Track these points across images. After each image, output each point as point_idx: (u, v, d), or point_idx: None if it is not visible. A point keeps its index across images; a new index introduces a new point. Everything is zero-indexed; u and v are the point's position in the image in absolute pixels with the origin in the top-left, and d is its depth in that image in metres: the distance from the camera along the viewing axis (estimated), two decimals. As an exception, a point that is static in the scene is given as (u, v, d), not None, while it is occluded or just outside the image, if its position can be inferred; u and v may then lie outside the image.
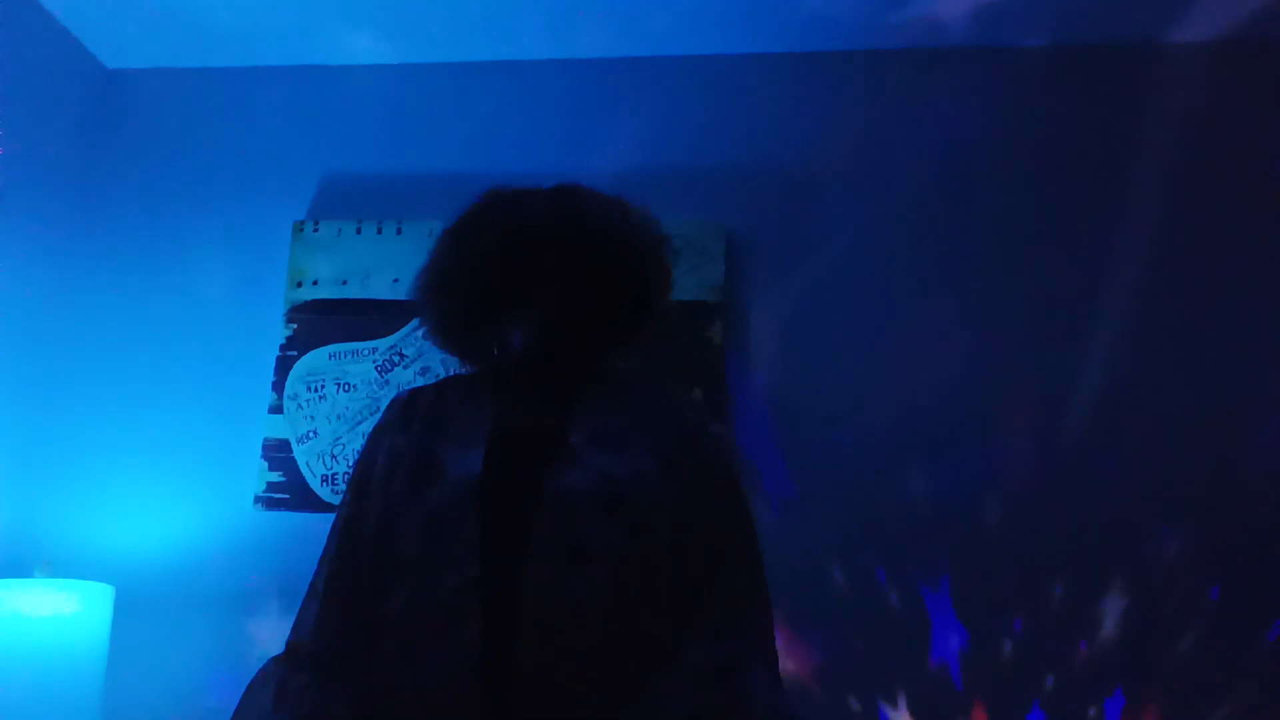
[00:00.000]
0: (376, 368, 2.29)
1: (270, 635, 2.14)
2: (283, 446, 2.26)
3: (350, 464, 2.22)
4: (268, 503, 2.23)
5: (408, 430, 1.43)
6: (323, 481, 2.23)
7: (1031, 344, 2.19)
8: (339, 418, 2.27)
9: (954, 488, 2.12)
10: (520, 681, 1.23)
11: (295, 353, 2.32)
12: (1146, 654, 2.00)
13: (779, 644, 1.35)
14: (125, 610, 2.09)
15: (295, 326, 2.34)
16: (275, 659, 1.37)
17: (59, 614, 1.92)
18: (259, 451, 2.27)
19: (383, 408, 1.51)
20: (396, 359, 2.29)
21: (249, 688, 1.35)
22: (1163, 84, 2.30)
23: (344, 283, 2.35)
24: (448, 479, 1.34)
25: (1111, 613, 2.02)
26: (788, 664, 1.94)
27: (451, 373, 2.21)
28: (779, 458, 2.16)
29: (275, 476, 2.25)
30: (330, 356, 2.31)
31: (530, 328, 1.43)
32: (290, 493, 2.23)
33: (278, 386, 2.30)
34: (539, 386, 1.45)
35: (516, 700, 1.22)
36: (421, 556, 1.31)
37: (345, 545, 1.41)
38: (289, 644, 1.37)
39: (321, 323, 2.33)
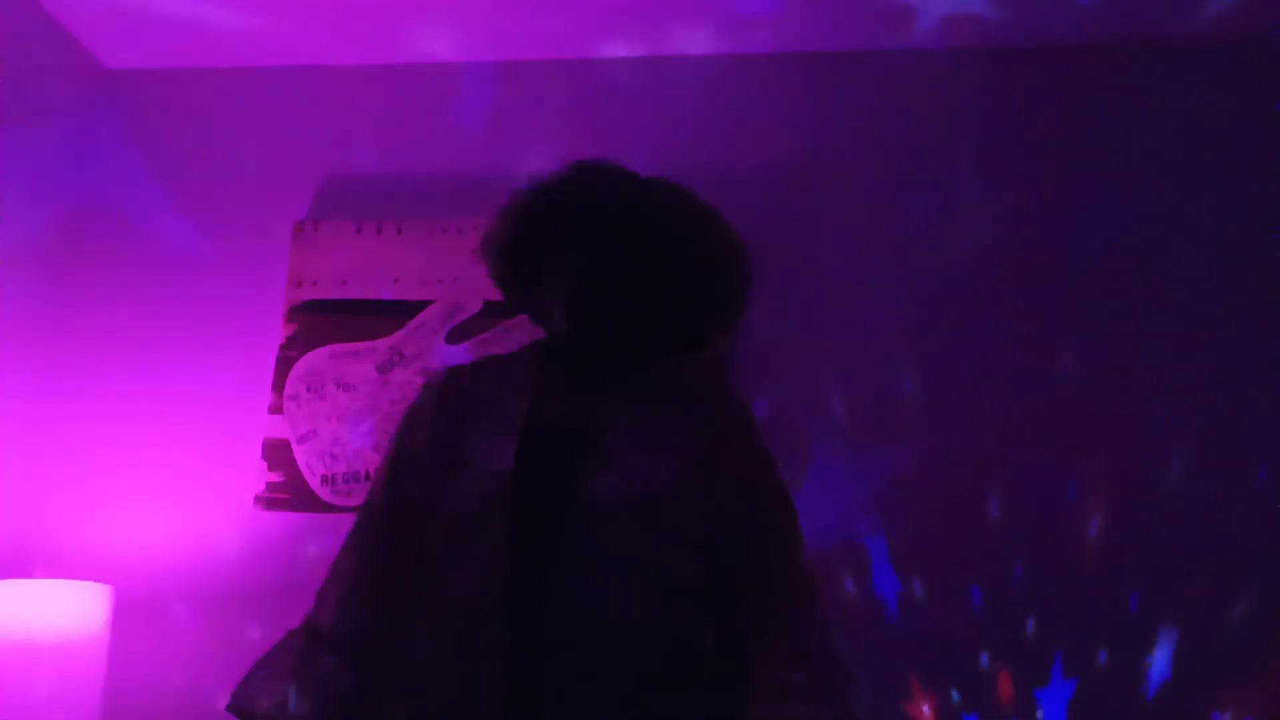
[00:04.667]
0: (376, 368, 2.29)
1: (270, 635, 2.12)
2: (283, 446, 2.26)
3: (349, 464, 2.22)
4: (268, 503, 2.23)
5: (445, 416, 1.39)
6: (323, 481, 2.23)
7: (1034, 342, 2.19)
8: (339, 418, 2.27)
9: (962, 477, 2.12)
10: (548, 696, 1.19)
11: (295, 353, 2.32)
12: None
13: None
14: (125, 610, 2.09)
15: (295, 326, 2.34)
16: (296, 634, 1.35)
17: (59, 614, 1.92)
18: (259, 451, 2.26)
19: (419, 393, 1.46)
20: (396, 359, 2.29)
21: (267, 653, 1.34)
22: (1166, 82, 2.31)
23: (344, 283, 2.35)
24: (474, 471, 1.30)
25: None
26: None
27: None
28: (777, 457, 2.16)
29: (275, 476, 2.24)
30: (330, 356, 2.31)
31: (570, 300, 1.38)
32: (290, 493, 2.23)
33: (278, 386, 2.30)
34: (576, 373, 1.40)
35: (544, 714, 1.19)
36: (446, 553, 1.28)
37: (378, 530, 1.37)
38: (312, 621, 1.35)
39: (321, 323, 2.33)
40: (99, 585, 2.01)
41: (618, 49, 2.45)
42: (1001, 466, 2.12)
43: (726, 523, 1.31)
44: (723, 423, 1.39)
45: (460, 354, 2.27)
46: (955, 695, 2.00)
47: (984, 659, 2.02)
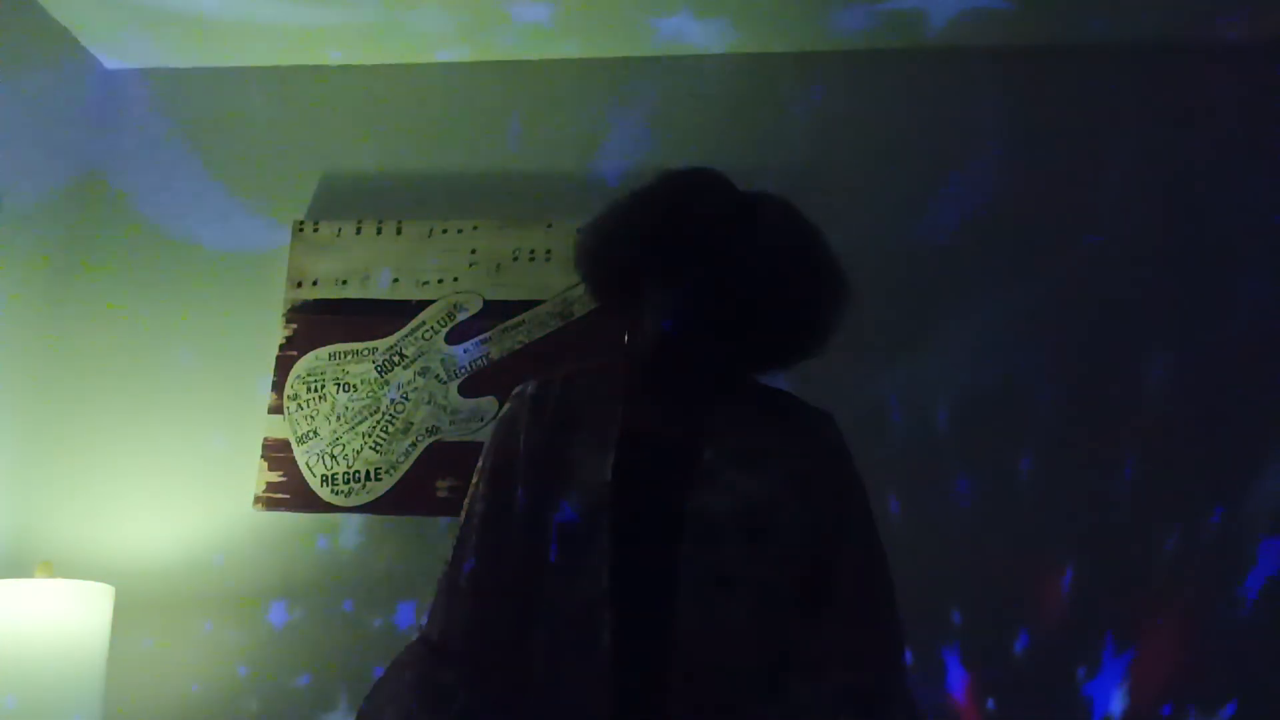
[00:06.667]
0: (376, 368, 2.29)
1: (270, 635, 2.14)
2: (283, 446, 2.26)
3: (349, 464, 2.22)
4: (268, 503, 2.23)
5: (540, 425, 1.38)
6: (323, 481, 2.23)
7: (1034, 346, 2.19)
8: (339, 418, 2.27)
9: (970, 478, 2.12)
10: (665, 704, 1.22)
11: (295, 353, 2.32)
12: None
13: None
14: (125, 610, 2.09)
15: (295, 326, 2.34)
16: (415, 647, 1.36)
17: (59, 614, 1.92)
18: (259, 451, 2.26)
19: (511, 398, 1.45)
20: (396, 359, 2.29)
21: (389, 668, 1.34)
22: (1164, 85, 2.31)
23: (344, 283, 2.35)
24: (579, 484, 1.32)
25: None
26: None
27: (462, 376, 2.24)
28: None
29: (275, 476, 2.24)
30: (330, 356, 2.31)
31: (672, 316, 1.38)
32: (290, 493, 2.23)
33: (278, 386, 2.30)
34: (669, 389, 1.41)
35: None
36: (555, 565, 1.30)
37: (483, 539, 1.37)
38: (428, 636, 1.35)
39: (321, 323, 2.33)
40: (100, 585, 2.01)
41: (621, 48, 2.45)
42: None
43: (823, 538, 1.35)
44: (815, 440, 1.42)
45: (460, 354, 2.27)
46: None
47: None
